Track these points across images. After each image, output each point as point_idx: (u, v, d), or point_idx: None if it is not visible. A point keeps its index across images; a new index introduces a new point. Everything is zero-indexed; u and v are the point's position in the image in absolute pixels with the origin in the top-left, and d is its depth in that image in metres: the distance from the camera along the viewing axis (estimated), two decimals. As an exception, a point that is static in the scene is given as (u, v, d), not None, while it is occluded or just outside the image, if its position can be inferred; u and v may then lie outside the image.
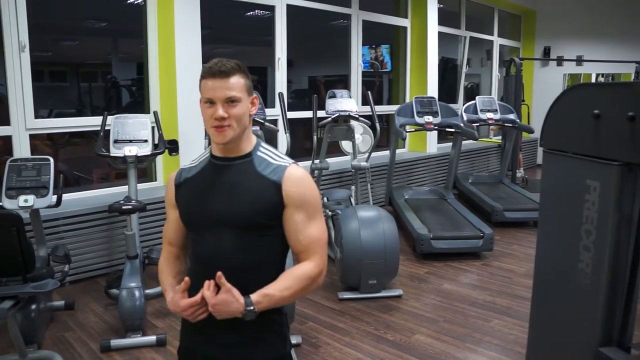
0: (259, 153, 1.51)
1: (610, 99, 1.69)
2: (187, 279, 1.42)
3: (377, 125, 5.02)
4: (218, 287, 1.38)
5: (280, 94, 4.74)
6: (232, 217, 1.44)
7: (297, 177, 1.46)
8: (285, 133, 4.42)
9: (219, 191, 1.47)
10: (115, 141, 3.59)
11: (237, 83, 1.43)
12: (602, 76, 9.63)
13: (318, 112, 4.87)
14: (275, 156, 1.51)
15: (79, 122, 4.54)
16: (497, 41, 9.51)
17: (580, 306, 1.82)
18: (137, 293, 3.22)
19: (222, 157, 1.50)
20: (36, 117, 4.12)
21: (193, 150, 4.66)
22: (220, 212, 1.45)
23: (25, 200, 3.00)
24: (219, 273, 1.36)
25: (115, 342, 3.11)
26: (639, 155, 1.60)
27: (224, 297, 1.37)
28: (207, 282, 1.39)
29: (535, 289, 2.09)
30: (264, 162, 1.49)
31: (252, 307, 1.38)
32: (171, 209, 1.59)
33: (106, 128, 3.74)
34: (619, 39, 8.96)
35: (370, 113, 5.10)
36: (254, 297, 1.39)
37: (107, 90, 5.73)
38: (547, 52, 9.92)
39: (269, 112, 4.98)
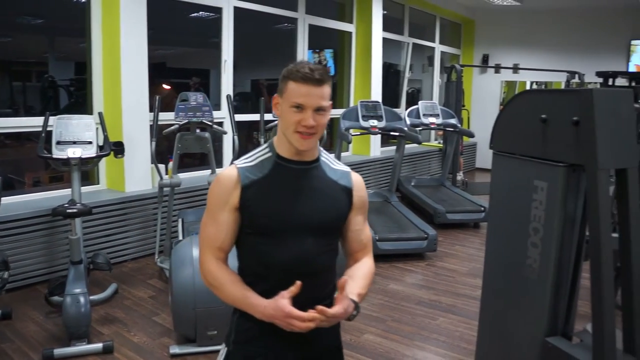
0: (322, 158, 1.52)
1: (557, 104, 1.79)
2: (298, 282, 1.37)
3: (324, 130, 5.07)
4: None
5: (228, 97, 4.71)
6: (317, 221, 1.46)
7: (360, 182, 1.57)
8: (234, 135, 4.40)
9: (303, 195, 1.46)
10: (58, 142, 3.46)
11: (327, 92, 1.41)
12: (537, 84, 10.11)
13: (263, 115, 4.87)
14: (333, 161, 1.55)
15: (16, 123, 4.35)
16: (439, 48, 9.79)
17: (528, 300, 1.91)
18: (82, 299, 3.11)
19: (297, 160, 1.47)
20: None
21: (139, 153, 4.57)
22: (306, 216, 1.44)
23: (-39, 204, 2.85)
24: (343, 279, 1.39)
25: (58, 352, 2.98)
26: (582, 158, 1.70)
27: (347, 304, 1.38)
28: (296, 288, 1.37)
29: (484, 285, 2.18)
30: (328, 167, 1.52)
31: (359, 309, 1.44)
32: (225, 211, 1.46)
33: (48, 129, 3.60)
34: (552, 49, 9.45)
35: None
36: (355, 298, 1.43)
37: (44, 91, 5.50)
38: (485, 59, 10.32)
39: (214, 114, 4.94)
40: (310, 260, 1.45)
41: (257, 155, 1.50)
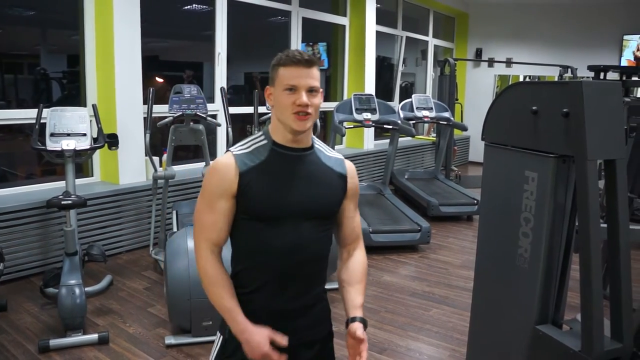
0: (316, 145, 1.54)
1: (547, 96, 1.82)
2: (285, 340, 1.43)
3: (318, 122, 5.09)
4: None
5: (222, 89, 4.72)
6: (315, 207, 1.47)
7: (353, 170, 1.59)
8: (228, 127, 4.41)
9: (300, 181, 1.47)
10: (52, 134, 3.46)
11: (317, 74, 1.44)
12: (530, 78, 10.15)
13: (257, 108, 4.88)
14: (327, 149, 1.57)
15: (8, 115, 4.34)
16: (432, 42, 9.81)
17: (519, 288, 1.95)
18: (77, 290, 3.12)
19: (293, 147, 1.48)
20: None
21: (133, 145, 4.57)
22: (303, 202, 1.45)
23: (-45, 196, 2.85)
24: (353, 330, 1.46)
25: (54, 342, 3.00)
26: (572, 148, 1.73)
27: (358, 341, 1.45)
28: (282, 340, 1.42)
29: (476, 274, 2.21)
30: (323, 154, 1.54)
31: (365, 323, 1.50)
32: (224, 199, 1.44)
33: (42, 121, 3.60)
34: (545, 43, 9.49)
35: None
36: (358, 312, 1.51)
37: (36, 83, 5.48)
38: (479, 53, 10.34)
39: (208, 107, 4.95)
40: (307, 247, 1.46)
41: (252, 143, 1.50)
